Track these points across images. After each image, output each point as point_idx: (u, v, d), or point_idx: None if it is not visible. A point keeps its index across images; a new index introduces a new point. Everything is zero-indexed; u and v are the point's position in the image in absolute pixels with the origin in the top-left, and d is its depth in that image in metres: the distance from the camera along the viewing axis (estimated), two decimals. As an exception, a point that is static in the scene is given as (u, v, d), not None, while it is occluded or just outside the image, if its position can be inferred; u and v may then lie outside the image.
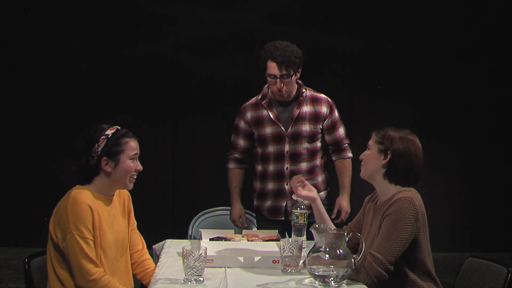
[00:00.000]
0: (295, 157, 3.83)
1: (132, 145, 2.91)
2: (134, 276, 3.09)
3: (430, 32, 6.67)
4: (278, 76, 3.71)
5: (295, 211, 3.27)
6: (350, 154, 3.97)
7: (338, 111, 3.99)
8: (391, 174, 2.88)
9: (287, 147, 3.83)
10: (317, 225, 2.67)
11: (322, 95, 3.93)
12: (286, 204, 3.87)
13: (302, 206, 3.27)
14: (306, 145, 3.84)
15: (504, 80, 6.72)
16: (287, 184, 3.83)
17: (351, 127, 6.64)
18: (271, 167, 3.86)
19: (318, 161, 3.90)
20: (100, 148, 2.84)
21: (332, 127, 3.92)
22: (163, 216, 6.46)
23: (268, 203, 3.91)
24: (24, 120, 6.52)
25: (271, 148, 3.84)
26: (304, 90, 3.87)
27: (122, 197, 3.05)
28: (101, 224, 2.83)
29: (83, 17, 6.51)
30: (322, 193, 3.85)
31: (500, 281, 2.82)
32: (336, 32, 6.64)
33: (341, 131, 3.96)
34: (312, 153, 3.87)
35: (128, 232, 3.06)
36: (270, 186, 3.89)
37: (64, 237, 2.76)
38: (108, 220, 2.89)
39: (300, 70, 3.80)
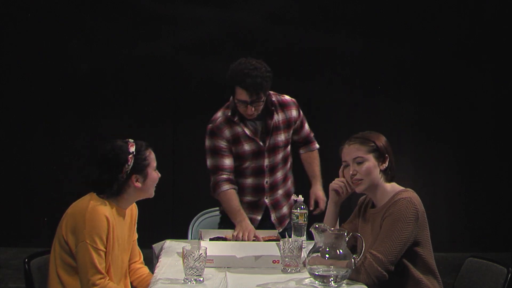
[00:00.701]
0: (273, 169, 3.66)
1: (153, 156, 2.98)
2: (130, 283, 3.09)
3: (430, 32, 6.67)
4: (248, 102, 3.44)
5: (295, 211, 3.26)
6: (317, 145, 3.86)
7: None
8: (390, 174, 2.90)
9: (266, 161, 3.62)
10: (317, 225, 2.67)
11: (287, 98, 3.71)
12: (262, 217, 3.69)
13: (302, 206, 3.27)
14: (281, 154, 3.68)
15: (504, 80, 6.72)
16: (266, 198, 3.69)
17: (351, 127, 6.63)
18: (249, 181, 3.66)
19: (288, 165, 3.77)
20: (130, 167, 2.88)
21: (301, 127, 3.76)
22: (163, 216, 6.46)
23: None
24: (24, 120, 6.52)
25: (249, 164, 3.62)
26: (273, 99, 3.62)
27: (131, 209, 3.07)
28: (114, 238, 2.86)
29: (83, 17, 6.51)
30: (294, 196, 3.54)
31: (500, 281, 2.82)
32: (336, 32, 6.64)
33: (306, 126, 3.80)
34: (285, 160, 3.72)
35: (129, 245, 3.07)
36: (248, 198, 3.69)
37: (77, 244, 2.77)
38: (120, 234, 2.92)
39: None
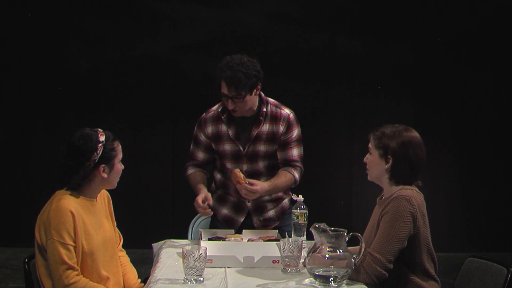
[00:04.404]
0: (254, 176, 3.58)
1: (120, 148, 2.96)
2: None
3: (430, 32, 6.68)
4: (229, 97, 3.42)
5: (295, 211, 3.27)
6: (296, 176, 3.58)
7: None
8: (395, 177, 2.88)
9: (245, 166, 3.58)
10: (317, 225, 2.67)
11: (284, 111, 3.57)
12: (245, 219, 3.67)
13: (302, 206, 3.27)
14: (264, 163, 3.61)
15: (504, 80, 6.72)
16: (248, 201, 3.64)
17: (351, 127, 6.69)
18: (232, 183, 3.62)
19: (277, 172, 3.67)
20: (98, 156, 2.86)
21: (284, 146, 3.57)
22: (163, 216, 6.45)
23: (225, 211, 3.72)
24: (24, 119, 6.52)
25: (229, 165, 3.60)
26: (264, 109, 3.53)
27: (103, 198, 3.06)
28: (87, 228, 2.83)
29: (83, 17, 6.51)
30: (294, 196, 3.51)
31: (500, 281, 2.82)
32: (336, 32, 6.64)
33: (295, 152, 3.59)
34: (271, 169, 3.63)
35: (114, 232, 3.07)
36: (232, 198, 3.69)
37: (46, 243, 2.76)
38: (94, 222, 2.90)
39: (259, 87, 3.46)
